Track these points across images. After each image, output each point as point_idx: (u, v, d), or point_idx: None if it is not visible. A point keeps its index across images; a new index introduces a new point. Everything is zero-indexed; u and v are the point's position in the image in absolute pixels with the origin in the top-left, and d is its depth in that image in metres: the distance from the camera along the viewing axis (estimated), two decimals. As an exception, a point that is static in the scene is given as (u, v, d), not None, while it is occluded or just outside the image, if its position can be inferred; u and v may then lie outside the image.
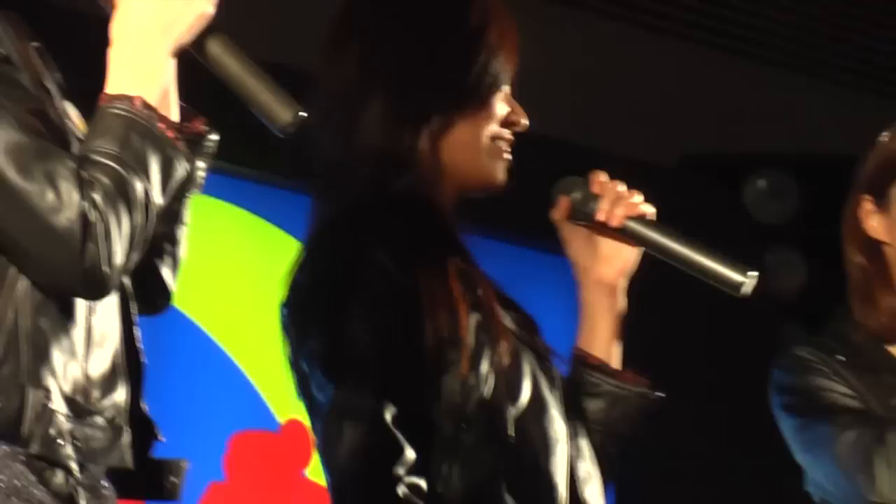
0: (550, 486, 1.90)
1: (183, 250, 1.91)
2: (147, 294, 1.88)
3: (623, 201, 2.00)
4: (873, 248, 2.50)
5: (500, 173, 1.97)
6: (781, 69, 4.92)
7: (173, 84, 1.75)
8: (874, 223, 2.48)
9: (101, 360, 1.74)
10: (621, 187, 2.01)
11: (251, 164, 3.43)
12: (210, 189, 3.21)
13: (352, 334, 1.77)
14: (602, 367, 2.06)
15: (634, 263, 2.07)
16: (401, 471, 1.71)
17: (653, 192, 2.08)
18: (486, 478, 1.82)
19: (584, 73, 4.44)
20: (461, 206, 1.98)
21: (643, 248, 2.06)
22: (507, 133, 1.95)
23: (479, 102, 1.91)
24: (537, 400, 1.90)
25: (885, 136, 2.60)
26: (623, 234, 2.03)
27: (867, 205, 2.48)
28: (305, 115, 1.75)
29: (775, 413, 2.56)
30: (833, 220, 2.65)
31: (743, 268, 2.00)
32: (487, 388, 1.82)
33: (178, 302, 3.19)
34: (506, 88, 1.95)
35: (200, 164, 1.84)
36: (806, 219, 4.66)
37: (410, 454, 1.72)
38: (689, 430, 4.25)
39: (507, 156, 1.97)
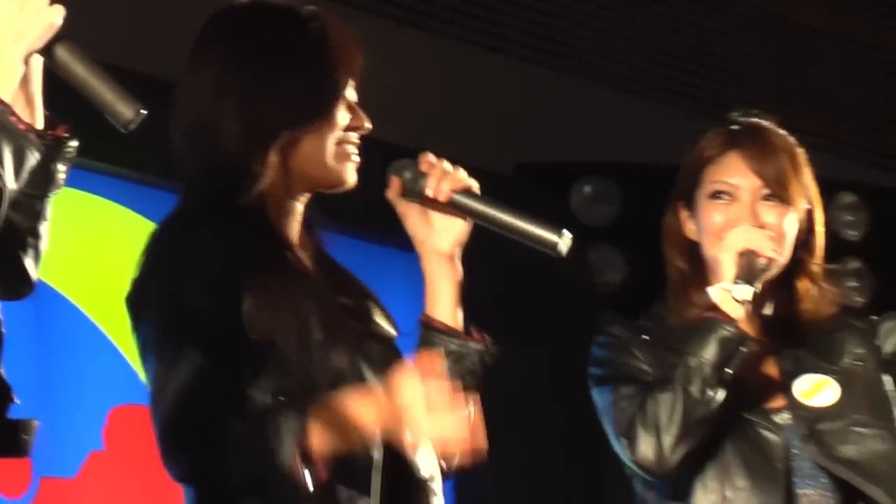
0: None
1: (44, 244, 1.95)
2: (11, 281, 1.95)
3: (448, 177, 2.08)
4: (692, 250, 2.54)
5: (347, 174, 2.05)
6: (606, 86, 5.10)
7: (38, 88, 1.85)
8: (691, 227, 2.54)
9: None
10: (447, 165, 2.09)
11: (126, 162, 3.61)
12: (84, 184, 3.39)
13: (182, 313, 1.84)
14: (445, 329, 2.13)
15: (465, 234, 2.14)
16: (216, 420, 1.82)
17: (490, 196, 2.16)
18: (296, 444, 1.83)
19: (428, 88, 4.53)
20: (317, 205, 2.08)
21: (471, 219, 2.14)
22: (352, 137, 2.03)
23: (321, 116, 1.99)
24: (355, 376, 1.97)
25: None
26: (451, 208, 2.11)
27: (683, 211, 2.54)
28: (145, 112, 1.82)
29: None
30: (650, 222, 2.71)
31: (558, 230, 2.09)
32: (312, 367, 1.91)
33: (62, 286, 3.38)
34: (349, 97, 2.04)
35: (61, 166, 1.90)
36: (625, 221, 4.74)
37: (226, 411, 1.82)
38: (518, 420, 4.30)
39: (355, 157, 2.05)
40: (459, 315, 2.17)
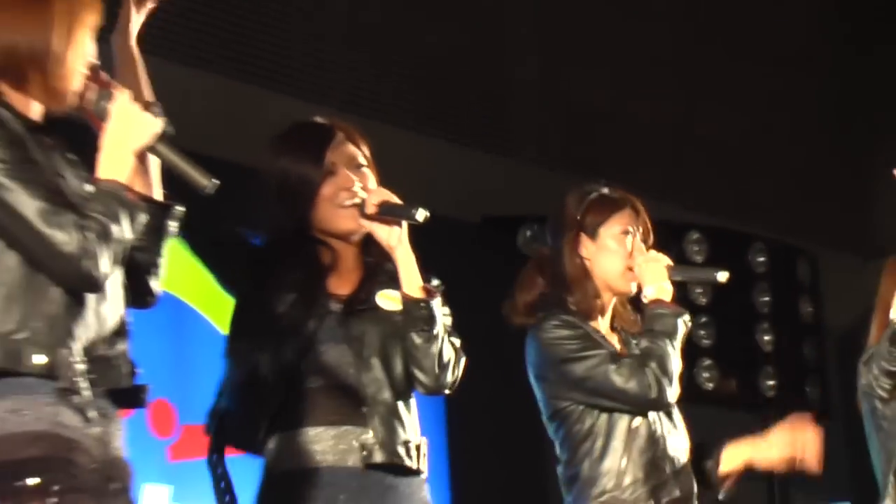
0: (353, 392, 2.98)
1: (163, 271, 2.66)
2: (141, 294, 2.64)
3: (373, 196, 3.05)
4: (584, 264, 3.54)
5: (343, 218, 3.04)
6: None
7: (154, 171, 2.61)
8: (585, 250, 3.50)
9: (106, 327, 2.51)
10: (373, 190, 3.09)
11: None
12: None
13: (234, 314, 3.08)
14: (411, 299, 3.01)
15: (403, 230, 3.00)
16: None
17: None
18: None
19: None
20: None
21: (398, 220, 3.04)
22: (342, 194, 3.03)
23: (322, 190, 3.01)
24: (324, 348, 3.00)
25: (592, 193, 3.57)
26: (385, 216, 3.02)
27: (582, 238, 3.50)
28: (217, 183, 2.54)
29: None
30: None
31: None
32: (298, 346, 2.97)
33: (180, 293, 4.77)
34: (342, 172, 3.04)
35: (171, 223, 2.61)
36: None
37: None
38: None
39: (347, 203, 3.02)
40: (420, 284, 3.04)
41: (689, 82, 7.91)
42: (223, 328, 4.70)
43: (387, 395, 3.10)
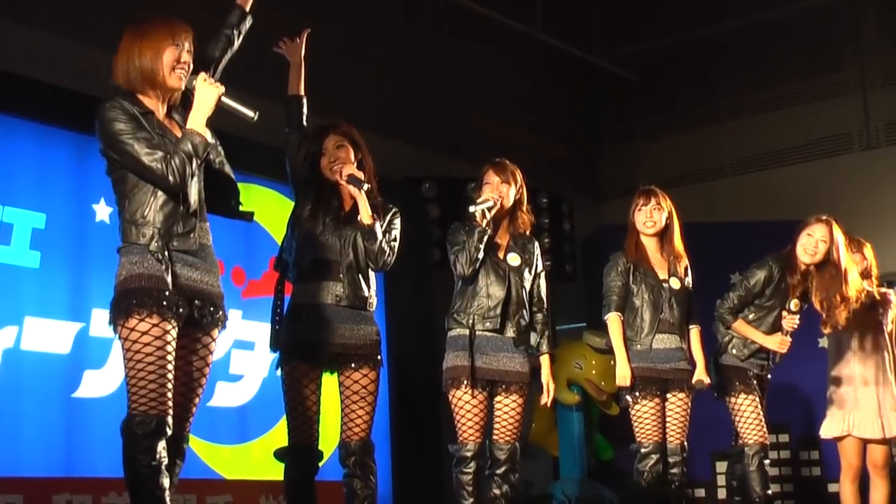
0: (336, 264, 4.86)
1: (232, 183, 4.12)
2: (226, 203, 4.15)
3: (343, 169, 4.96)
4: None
5: (333, 174, 4.91)
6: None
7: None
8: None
9: (190, 210, 3.95)
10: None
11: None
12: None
13: None
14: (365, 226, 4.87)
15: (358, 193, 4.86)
16: None
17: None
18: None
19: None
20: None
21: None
22: (330, 165, 4.93)
23: (322, 162, 4.93)
24: (327, 236, 4.89)
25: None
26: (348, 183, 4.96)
27: None
28: (258, 113, 3.95)
29: None
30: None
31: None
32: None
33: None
34: (328, 152, 4.92)
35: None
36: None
37: None
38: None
39: (333, 170, 4.88)
40: (369, 214, 4.87)
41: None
42: (274, 234, 7.48)
43: (353, 266, 4.95)
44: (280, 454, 4.88)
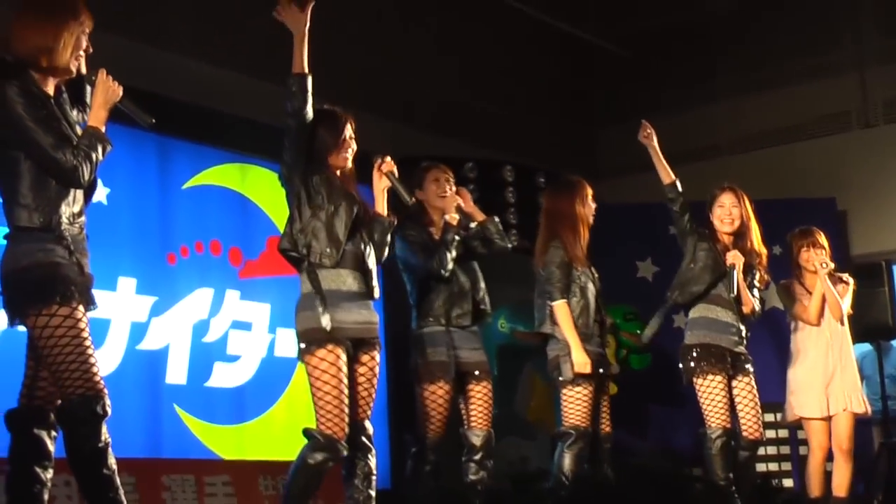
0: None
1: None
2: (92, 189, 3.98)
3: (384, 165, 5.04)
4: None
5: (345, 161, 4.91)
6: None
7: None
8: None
9: (78, 206, 3.88)
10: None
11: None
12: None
13: None
14: (383, 216, 4.94)
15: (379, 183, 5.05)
16: None
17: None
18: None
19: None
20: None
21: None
22: (344, 151, 4.89)
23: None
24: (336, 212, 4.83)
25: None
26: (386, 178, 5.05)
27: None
28: (154, 120, 4.01)
29: None
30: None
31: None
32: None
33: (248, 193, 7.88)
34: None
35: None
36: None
37: None
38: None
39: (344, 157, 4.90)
40: (384, 210, 4.95)
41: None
42: (271, 215, 7.63)
43: (362, 256, 4.98)
44: (308, 435, 4.73)
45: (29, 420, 3.90)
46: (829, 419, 6.81)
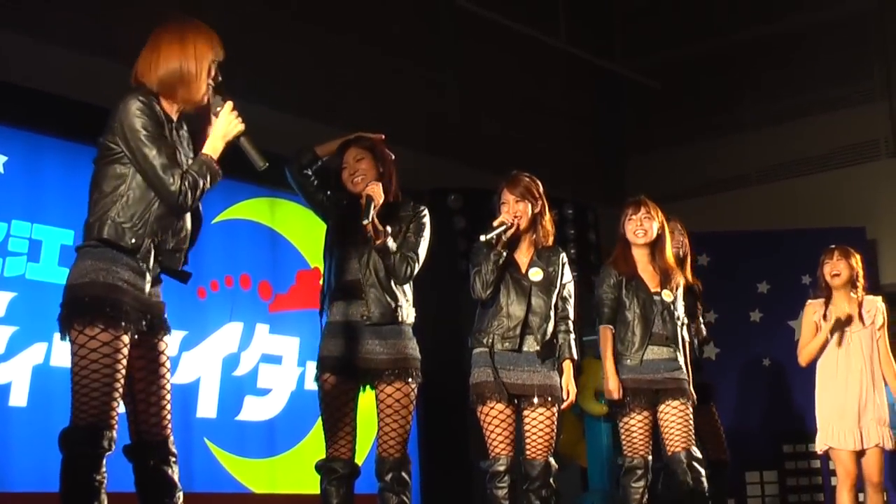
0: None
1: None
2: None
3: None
4: None
5: (354, 186, 5.07)
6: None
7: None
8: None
9: (182, 235, 3.84)
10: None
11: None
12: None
13: None
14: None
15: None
16: None
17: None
18: None
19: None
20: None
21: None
22: (351, 177, 5.04)
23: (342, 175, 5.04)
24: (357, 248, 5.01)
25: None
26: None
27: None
28: (268, 164, 3.81)
29: None
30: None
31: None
32: None
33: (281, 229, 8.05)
34: (349, 165, 5.05)
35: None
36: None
37: None
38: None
39: (354, 182, 5.05)
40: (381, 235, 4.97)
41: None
42: (300, 248, 7.89)
43: (376, 284, 5.09)
44: (318, 466, 5.04)
45: (146, 454, 3.83)
46: (860, 452, 6.72)
